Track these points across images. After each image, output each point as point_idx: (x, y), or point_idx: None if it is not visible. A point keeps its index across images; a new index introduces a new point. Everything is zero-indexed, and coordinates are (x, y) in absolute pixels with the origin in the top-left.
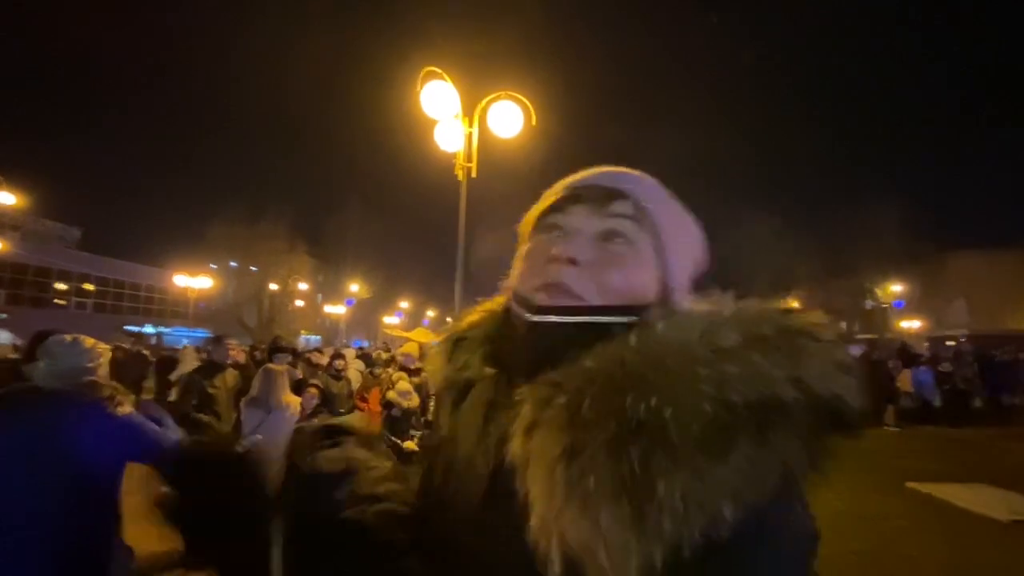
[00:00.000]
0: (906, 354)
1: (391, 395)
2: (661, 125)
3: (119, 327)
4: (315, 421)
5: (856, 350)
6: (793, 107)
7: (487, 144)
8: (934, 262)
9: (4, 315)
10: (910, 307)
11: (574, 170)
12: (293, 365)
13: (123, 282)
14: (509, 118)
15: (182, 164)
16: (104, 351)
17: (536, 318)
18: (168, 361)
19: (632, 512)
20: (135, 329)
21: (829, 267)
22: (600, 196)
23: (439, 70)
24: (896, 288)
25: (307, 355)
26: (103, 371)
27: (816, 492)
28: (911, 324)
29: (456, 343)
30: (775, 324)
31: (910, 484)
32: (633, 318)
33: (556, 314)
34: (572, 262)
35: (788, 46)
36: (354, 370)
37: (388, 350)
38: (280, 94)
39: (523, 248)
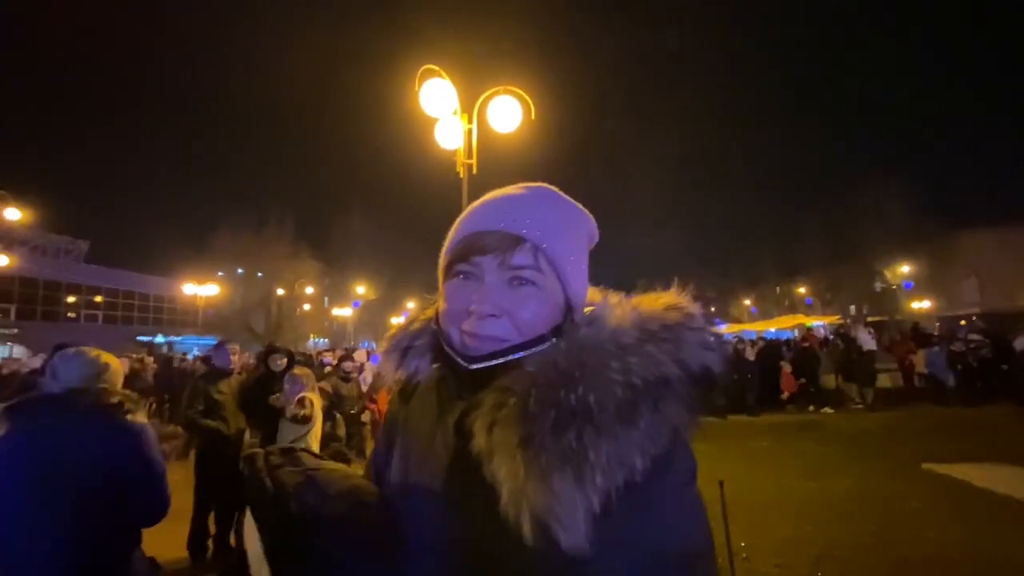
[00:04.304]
0: (919, 335)
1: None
2: (662, 110)
3: (131, 337)
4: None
5: (866, 337)
6: (797, 88)
7: (487, 140)
8: (943, 240)
9: (15, 330)
10: (920, 287)
11: (575, 164)
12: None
13: (132, 292)
14: (508, 113)
15: (184, 173)
16: (112, 361)
17: (473, 367)
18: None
19: (574, 475)
20: (146, 339)
21: (837, 249)
22: (503, 245)
23: (437, 68)
24: (905, 269)
25: (318, 356)
26: (113, 380)
27: (829, 477)
28: (921, 304)
29: (405, 351)
30: (660, 321)
31: (926, 465)
32: (546, 344)
33: (486, 361)
34: (491, 315)
35: (793, 25)
36: (371, 372)
37: None
38: (280, 100)
39: (442, 287)
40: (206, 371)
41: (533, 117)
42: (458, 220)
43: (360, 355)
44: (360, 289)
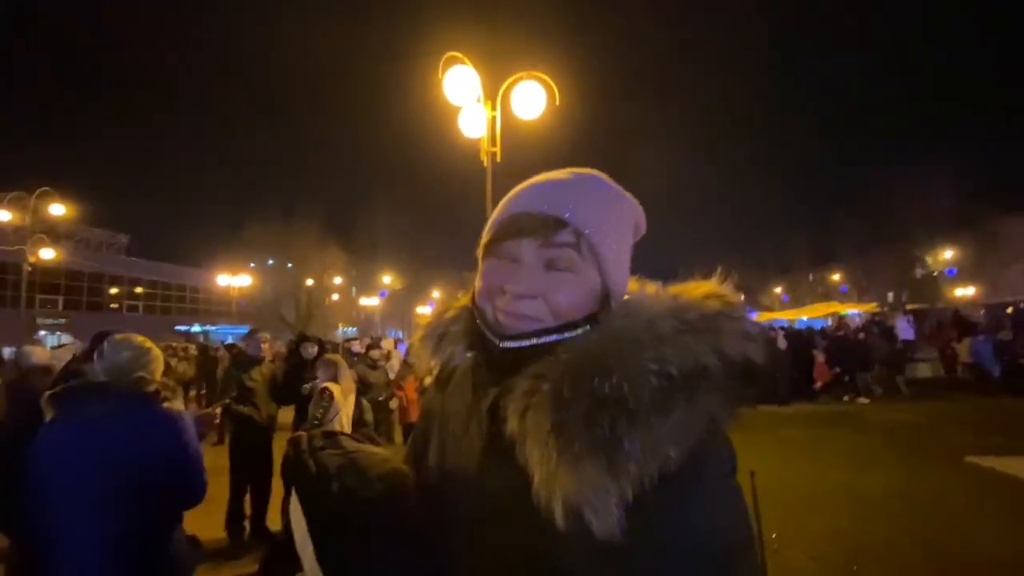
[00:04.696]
0: (962, 323)
1: (428, 381)
2: (691, 95)
3: (169, 327)
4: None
5: (904, 325)
6: (834, 69)
7: (512, 128)
8: (989, 225)
9: (63, 320)
10: (963, 274)
11: (599, 151)
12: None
13: (170, 284)
14: (532, 99)
15: (216, 167)
16: (154, 349)
17: (505, 344)
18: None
19: (607, 464)
20: (184, 328)
21: (874, 234)
22: (543, 226)
23: (460, 55)
24: (948, 254)
25: (346, 345)
26: (154, 368)
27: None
28: (965, 291)
29: (440, 338)
30: (699, 310)
31: (969, 458)
32: (579, 330)
33: (520, 340)
34: (526, 296)
35: (833, 5)
36: (397, 360)
37: None
38: (308, 92)
39: (480, 267)
40: (238, 359)
41: (558, 103)
42: (503, 200)
43: (387, 343)
44: (386, 279)
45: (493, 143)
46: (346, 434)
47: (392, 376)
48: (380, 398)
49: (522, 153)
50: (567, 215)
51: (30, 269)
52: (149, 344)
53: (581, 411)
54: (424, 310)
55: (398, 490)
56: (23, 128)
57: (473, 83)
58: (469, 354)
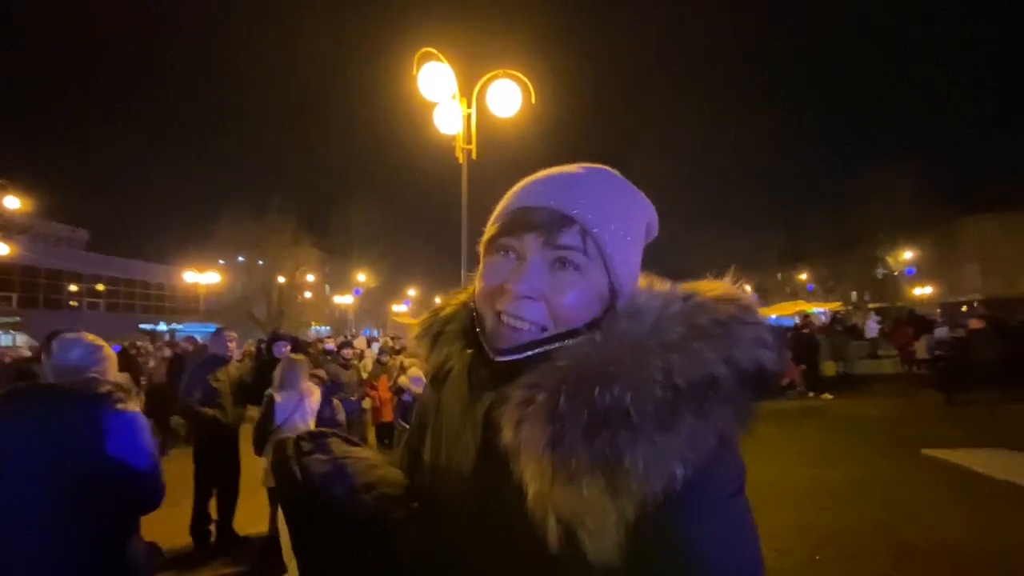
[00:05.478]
0: (917, 321)
1: (403, 380)
2: (665, 96)
3: (133, 326)
4: (290, 434)
5: (872, 324)
6: (800, 73)
7: (487, 125)
8: (946, 227)
9: (17, 318)
10: (922, 273)
11: (574, 150)
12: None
13: (134, 281)
14: (508, 97)
15: (184, 161)
16: (106, 348)
17: (500, 359)
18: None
19: (606, 482)
20: (148, 327)
21: (840, 236)
22: (550, 223)
23: (435, 51)
24: (907, 255)
25: (317, 344)
26: (105, 367)
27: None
28: (924, 291)
29: (436, 337)
30: (711, 315)
31: (926, 451)
32: (580, 338)
33: (515, 354)
34: (527, 297)
35: (799, 11)
36: (371, 359)
37: (396, 338)
38: (279, 86)
39: (482, 263)
40: (204, 358)
41: (533, 101)
42: (510, 192)
43: (360, 342)
44: (361, 277)
45: (469, 140)
46: (337, 434)
47: (365, 375)
48: (352, 397)
49: (498, 151)
50: (576, 212)
51: None
52: (100, 343)
53: (580, 424)
54: (400, 308)
55: (384, 503)
56: None
57: (449, 79)
58: (468, 352)
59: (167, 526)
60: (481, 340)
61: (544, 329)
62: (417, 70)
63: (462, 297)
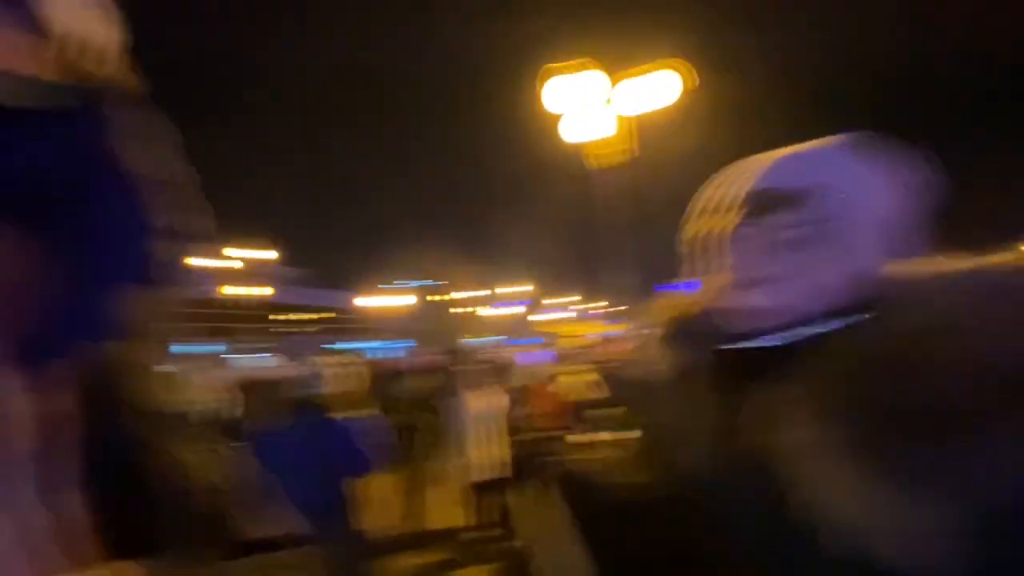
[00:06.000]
0: None
1: (575, 388)
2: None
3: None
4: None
5: None
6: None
7: (641, 124)
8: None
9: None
10: None
11: (736, 143)
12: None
13: (335, 308)
14: (662, 91)
15: (354, 197)
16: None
17: (740, 346)
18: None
19: (928, 489)
20: (342, 346)
21: None
22: (786, 202)
23: (589, 60)
24: None
25: (487, 355)
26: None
27: None
28: None
29: (673, 338)
30: (1013, 290)
31: None
32: (842, 323)
33: (758, 340)
34: (760, 283)
35: None
36: (519, 369)
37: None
38: (435, 116)
39: (698, 259)
40: (388, 373)
41: (693, 85)
42: (729, 178)
43: (506, 352)
44: (522, 288)
45: (626, 141)
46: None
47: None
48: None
49: (661, 149)
50: (815, 188)
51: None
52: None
53: (861, 424)
54: (561, 315)
55: (650, 500)
56: None
57: (599, 85)
58: (706, 352)
59: None
60: (717, 333)
61: (798, 314)
62: (540, 87)
63: (695, 298)
